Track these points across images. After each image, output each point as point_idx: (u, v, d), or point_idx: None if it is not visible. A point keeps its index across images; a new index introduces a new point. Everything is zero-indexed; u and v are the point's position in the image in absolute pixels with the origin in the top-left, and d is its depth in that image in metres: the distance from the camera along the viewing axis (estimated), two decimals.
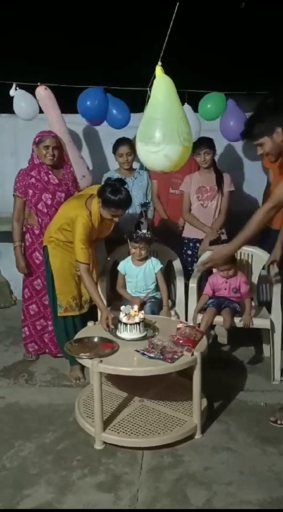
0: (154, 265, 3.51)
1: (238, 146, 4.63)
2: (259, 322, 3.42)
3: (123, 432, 2.71)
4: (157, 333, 2.95)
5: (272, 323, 3.39)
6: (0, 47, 4.93)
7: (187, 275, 3.71)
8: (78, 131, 4.62)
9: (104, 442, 2.70)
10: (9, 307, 4.86)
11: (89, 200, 3.23)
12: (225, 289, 3.52)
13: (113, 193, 3.11)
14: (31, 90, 3.93)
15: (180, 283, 3.69)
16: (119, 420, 2.81)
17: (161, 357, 2.68)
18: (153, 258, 3.56)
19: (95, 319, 3.31)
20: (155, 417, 2.83)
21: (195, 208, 3.95)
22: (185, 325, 2.96)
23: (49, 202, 3.52)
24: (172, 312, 3.50)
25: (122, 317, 2.93)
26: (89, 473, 2.51)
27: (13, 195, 3.58)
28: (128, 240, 3.49)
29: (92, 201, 3.22)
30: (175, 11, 2.40)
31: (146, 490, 2.39)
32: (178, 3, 2.37)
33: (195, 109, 4.11)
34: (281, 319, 3.40)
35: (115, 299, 3.64)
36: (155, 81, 2.53)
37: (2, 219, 4.40)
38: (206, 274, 3.68)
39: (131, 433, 2.70)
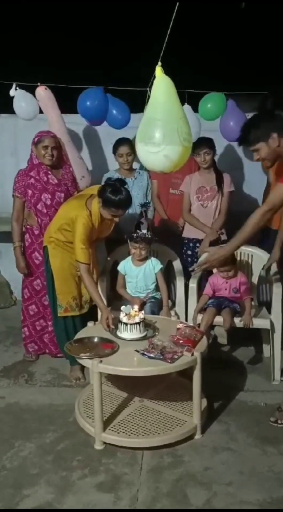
0: (154, 265, 3.51)
1: (238, 146, 4.62)
2: (259, 322, 3.42)
3: (123, 432, 2.71)
4: (157, 333, 2.95)
5: (272, 323, 3.39)
6: (0, 47, 4.94)
7: (187, 275, 3.71)
8: (78, 131, 4.62)
9: (104, 442, 2.70)
10: (9, 307, 4.86)
11: (89, 200, 3.23)
12: (225, 289, 3.52)
13: (114, 193, 3.11)
14: (31, 90, 3.92)
15: (180, 283, 3.69)
16: (119, 420, 2.81)
17: (161, 357, 2.68)
18: (153, 258, 3.56)
19: (95, 319, 3.31)
20: (155, 417, 2.83)
21: (195, 208, 3.95)
22: (185, 325, 2.96)
23: (48, 202, 3.51)
24: (172, 312, 3.50)
25: (123, 317, 2.93)
26: (89, 473, 2.51)
27: (13, 195, 3.58)
28: (128, 240, 3.49)
29: (93, 201, 3.22)
30: (175, 11, 2.39)
31: (146, 490, 2.39)
32: (178, 3, 2.37)
33: (195, 109, 4.11)
34: (281, 319, 3.40)
35: (116, 299, 3.64)
36: (154, 82, 2.53)
37: (2, 219, 4.40)
38: (206, 274, 3.68)
39: (131, 433, 2.70)
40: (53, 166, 3.56)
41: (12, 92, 3.95)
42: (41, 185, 3.51)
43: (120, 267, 3.56)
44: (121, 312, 2.97)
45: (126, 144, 3.85)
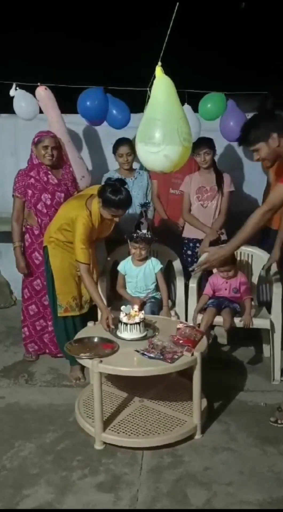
0: (154, 265, 3.51)
1: (238, 146, 4.63)
2: (259, 322, 3.42)
3: (123, 432, 2.71)
4: (157, 333, 2.95)
5: (272, 323, 3.39)
6: (0, 47, 4.94)
7: (187, 275, 3.71)
8: (78, 131, 4.62)
9: (104, 442, 2.70)
10: (9, 307, 4.85)
11: (89, 200, 3.23)
12: (226, 289, 3.52)
13: (114, 193, 3.11)
14: (31, 90, 3.92)
15: (180, 283, 3.69)
16: (119, 420, 2.81)
17: (161, 357, 2.68)
18: (153, 258, 3.56)
19: (95, 319, 3.31)
20: (155, 417, 2.83)
21: (195, 208, 3.95)
22: (185, 325, 2.96)
23: (48, 202, 3.51)
24: (172, 312, 3.50)
25: (123, 317, 2.93)
26: (89, 473, 2.51)
27: (12, 195, 3.58)
28: (128, 240, 3.49)
29: (93, 201, 3.22)
30: (175, 11, 2.39)
31: (146, 490, 2.39)
32: (178, 3, 2.37)
33: (195, 109, 4.11)
34: (281, 319, 3.40)
35: (115, 299, 3.64)
36: (154, 82, 2.53)
37: (2, 219, 4.40)
38: (206, 274, 3.68)
39: (131, 433, 2.70)
40: (53, 166, 3.56)
41: (12, 92, 3.95)
42: (41, 185, 3.51)
43: (120, 267, 3.56)
44: (121, 312, 2.97)
45: (126, 144, 3.85)
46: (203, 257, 3.43)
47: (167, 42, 2.53)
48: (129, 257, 3.55)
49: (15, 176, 3.58)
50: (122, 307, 3.01)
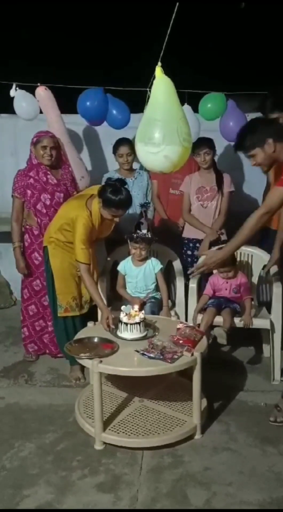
0: (154, 265, 3.51)
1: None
2: (259, 322, 3.42)
3: (123, 432, 2.71)
4: (157, 333, 2.95)
5: (272, 323, 3.39)
6: (0, 47, 4.94)
7: (187, 276, 3.70)
8: (78, 131, 4.62)
9: (104, 443, 2.70)
10: (9, 308, 4.86)
11: (89, 200, 3.23)
12: (226, 289, 3.52)
13: (114, 194, 3.11)
14: (31, 90, 3.92)
15: (180, 283, 3.69)
16: (119, 420, 2.81)
17: (161, 357, 2.68)
18: (153, 259, 3.56)
19: (95, 319, 3.31)
20: (155, 417, 2.83)
21: (195, 209, 3.95)
22: (185, 325, 2.96)
23: (48, 202, 3.51)
24: (172, 313, 3.50)
25: (123, 317, 2.93)
26: (89, 474, 2.51)
27: (12, 195, 3.58)
28: (128, 241, 3.49)
29: (93, 201, 3.22)
30: (175, 11, 2.39)
31: (146, 490, 2.39)
32: (177, 3, 2.37)
33: (195, 110, 4.11)
34: (281, 319, 3.40)
35: (116, 300, 3.64)
36: (154, 82, 2.53)
37: (2, 220, 4.39)
38: (206, 274, 3.67)
39: (131, 433, 2.70)
40: (52, 166, 3.56)
41: (12, 93, 3.95)
42: (40, 185, 3.51)
43: (120, 267, 3.56)
44: (121, 312, 2.97)
45: (126, 144, 3.85)
46: (200, 260, 3.43)
47: (167, 42, 2.53)
48: (129, 257, 3.55)
49: (14, 177, 3.58)
50: (123, 307, 3.01)
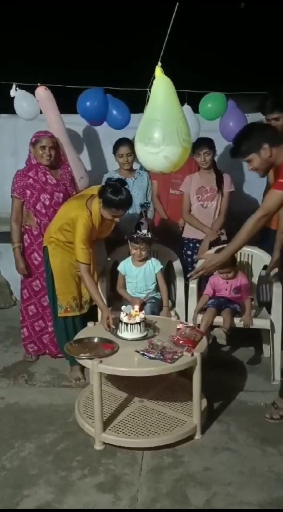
0: (154, 265, 3.51)
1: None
2: (259, 323, 3.42)
3: (123, 432, 2.71)
4: (157, 333, 2.95)
5: (272, 324, 3.39)
6: (0, 47, 4.94)
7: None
8: (78, 131, 4.61)
9: (104, 443, 2.70)
10: (9, 308, 4.86)
11: (89, 200, 3.23)
12: (226, 289, 3.52)
13: (114, 194, 3.11)
14: (31, 91, 3.92)
15: (180, 283, 3.69)
16: (119, 420, 2.81)
17: (161, 357, 2.68)
18: (153, 259, 3.56)
19: (95, 319, 3.31)
20: (155, 418, 2.83)
21: (195, 209, 3.95)
22: (185, 325, 2.96)
23: (47, 202, 3.51)
24: (172, 313, 3.50)
25: (123, 317, 2.93)
26: (89, 474, 2.51)
27: (11, 196, 3.58)
28: (128, 241, 3.49)
29: (93, 201, 3.22)
30: (175, 11, 2.40)
31: (146, 490, 2.39)
32: (177, 3, 2.37)
33: (195, 110, 4.11)
34: (281, 319, 3.41)
35: (116, 300, 3.64)
36: (154, 82, 2.53)
37: (1, 220, 4.39)
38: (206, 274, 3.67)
39: (131, 433, 2.70)
40: (51, 166, 3.56)
41: (12, 93, 3.94)
42: (39, 185, 3.51)
43: (120, 268, 3.56)
44: (121, 312, 2.97)
45: (126, 144, 3.84)
46: (199, 264, 3.43)
47: (167, 42, 2.53)
48: (130, 258, 3.55)
49: (14, 177, 3.58)
50: (123, 307, 3.01)
